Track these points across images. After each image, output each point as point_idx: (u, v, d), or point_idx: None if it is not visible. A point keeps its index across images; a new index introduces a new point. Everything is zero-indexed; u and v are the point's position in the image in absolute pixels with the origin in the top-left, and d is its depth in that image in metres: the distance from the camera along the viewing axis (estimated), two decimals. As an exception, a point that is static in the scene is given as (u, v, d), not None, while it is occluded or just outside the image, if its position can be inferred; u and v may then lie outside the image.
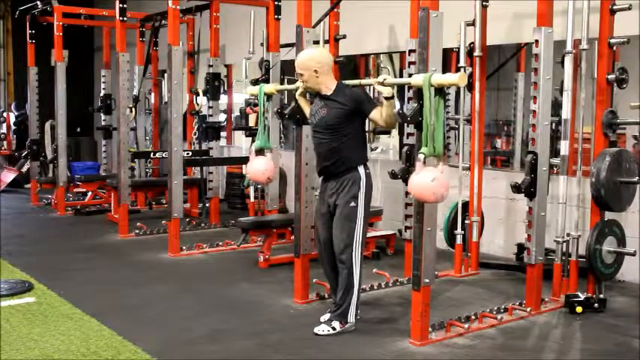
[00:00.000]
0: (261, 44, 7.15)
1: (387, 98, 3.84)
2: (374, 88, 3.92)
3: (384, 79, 3.80)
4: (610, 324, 4.29)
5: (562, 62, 4.55)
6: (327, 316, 4.11)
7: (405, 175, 4.52)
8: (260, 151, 4.53)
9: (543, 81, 4.27)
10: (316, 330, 3.99)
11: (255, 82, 6.57)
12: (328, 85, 4.06)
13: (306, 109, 4.32)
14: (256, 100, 4.72)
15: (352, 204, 3.99)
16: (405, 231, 4.95)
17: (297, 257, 4.60)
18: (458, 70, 5.51)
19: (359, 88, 4.11)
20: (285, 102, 7.47)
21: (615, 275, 4.69)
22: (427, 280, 3.77)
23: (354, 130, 4.04)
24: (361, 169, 4.05)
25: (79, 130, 12.25)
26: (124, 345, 3.78)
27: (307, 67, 4.06)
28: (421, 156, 3.50)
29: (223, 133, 8.74)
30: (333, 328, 3.98)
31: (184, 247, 6.23)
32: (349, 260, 3.99)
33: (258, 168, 4.51)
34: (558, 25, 4.46)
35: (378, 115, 3.94)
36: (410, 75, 4.63)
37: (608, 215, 4.55)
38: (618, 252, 4.52)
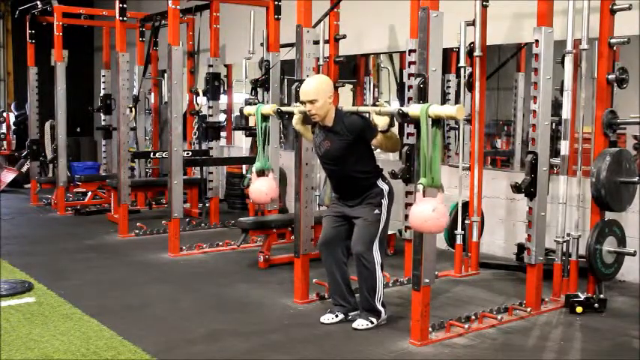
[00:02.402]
0: (261, 44, 7.15)
1: (382, 131, 3.85)
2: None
3: (380, 110, 3.79)
4: (610, 324, 4.28)
5: (562, 62, 4.55)
6: (336, 317, 4.15)
7: (405, 175, 4.53)
8: (261, 172, 4.51)
9: (543, 81, 4.27)
10: (355, 325, 4.05)
11: (255, 83, 6.60)
12: (331, 114, 4.05)
13: (308, 135, 4.30)
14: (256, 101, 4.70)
15: (376, 211, 4.04)
16: (405, 231, 4.95)
17: (297, 257, 4.60)
18: (458, 69, 5.52)
19: (358, 117, 4.07)
20: (286, 102, 7.49)
21: (615, 275, 4.69)
22: (427, 280, 3.77)
23: (362, 152, 4.06)
24: (380, 183, 4.09)
25: (79, 130, 12.25)
26: (124, 345, 3.78)
27: (323, 92, 4.00)
28: (420, 187, 3.50)
29: (223, 133, 8.74)
30: (371, 322, 4.06)
31: (184, 247, 6.23)
32: (372, 262, 4.01)
33: (260, 189, 4.51)
34: (558, 25, 4.47)
35: (379, 142, 3.96)
36: (410, 75, 4.68)
37: (608, 215, 4.56)
38: (618, 252, 4.53)
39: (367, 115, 4.01)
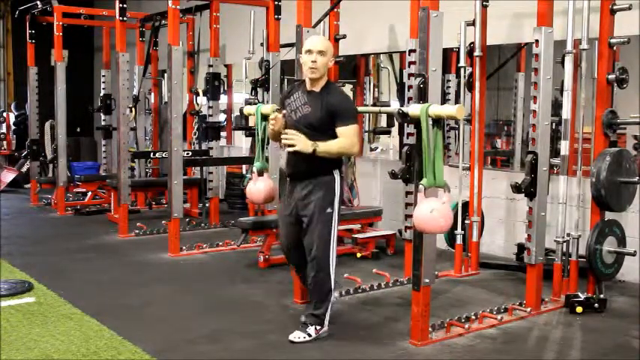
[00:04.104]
0: (261, 44, 7.15)
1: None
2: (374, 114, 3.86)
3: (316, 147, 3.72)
4: (610, 324, 4.29)
5: (562, 62, 4.55)
6: (302, 319, 3.97)
7: (405, 175, 4.54)
8: (261, 172, 4.48)
9: (543, 81, 4.27)
10: (291, 337, 3.87)
11: (255, 83, 6.60)
12: (323, 80, 3.87)
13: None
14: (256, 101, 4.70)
15: (329, 210, 3.85)
16: (405, 231, 4.94)
17: (297, 257, 4.59)
18: (458, 69, 5.52)
19: (348, 99, 3.96)
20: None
21: (615, 275, 4.69)
22: (427, 280, 3.77)
23: (335, 132, 3.80)
24: (336, 174, 3.90)
25: (79, 130, 12.26)
26: (124, 345, 3.78)
27: (330, 50, 3.85)
28: (421, 187, 3.48)
29: (223, 133, 8.74)
30: (309, 335, 3.88)
31: (184, 247, 6.23)
32: (327, 267, 3.89)
33: (259, 189, 4.44)
34: (558, 25, 4.47)
35: (342, 134, 3.76)
36: (410, 75, 4.68)
37: (608, 215, 4.55)
38: (618, 252, 4.53)
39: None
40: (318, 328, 3.91)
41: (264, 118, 4.49)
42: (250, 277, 5.42)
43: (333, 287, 3.95)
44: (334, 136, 3.79)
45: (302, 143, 3.72)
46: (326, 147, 3.75)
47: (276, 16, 6.36)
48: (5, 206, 8.94)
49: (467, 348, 3.81)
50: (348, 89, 8.13)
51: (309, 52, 3.80)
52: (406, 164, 4.51)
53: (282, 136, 3.70)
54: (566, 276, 4.66)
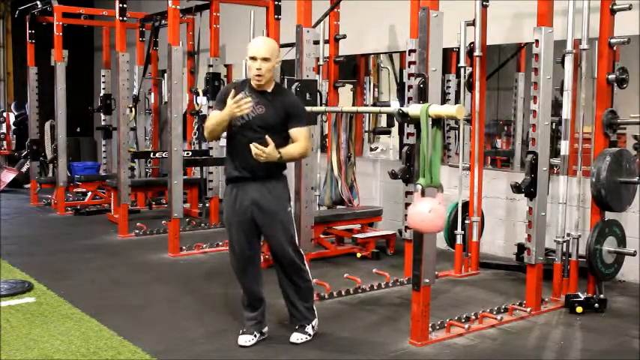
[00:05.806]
0: (261, 44, 7.14)
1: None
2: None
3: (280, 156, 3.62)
4: (610, 324, 4.29)
5: (562, 62, 4.55)
6: (255, 337, 3.88)
7: (405, 175, 4.54)
8: None
9: (543, 81, 4.27)
10: (292, 339, 3.86)
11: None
12: (271, 82, 3.77)
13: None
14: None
15: (289, 209, 3.82)
16: (405, 231, 4.95)
17: (297, 257, 4.59)
18: (458, 69, 5.52)
19: (301, 100, 3.91)
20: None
21: (615, 275, 4.69)
22: (427, 280, 3.77)
23: (287, 135, 3.73)
24: (285, 173, 3.87)
25: (79, 130, 12.26)
26: (124, 345, 3.78)
27: (275, 53, 3.72)
28: (419, 187, 3.48)
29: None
30: (309, 335, 3.88)
31: (184, 247, 6.23)
32: (303, 263, 3.89)
33: None
34: (558, 25, 4.47)
35: (298, 136, 3.69)
36: (410, 75, 4.68)
37: (608, 215, 4.55)
38: (618, 252, 4.52)
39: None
40: (313, 323, 3.93)
41: None
42: (250, 277, 5.41)
43: (311, 277, 3.95)
44: (285, 137, 3.71)
45: (271, 154, 3.58)
46: (289, 154, 3.69)
47: (276, 16, 6.35)
48: (5, 206, 8.94)
49: (467, 348, 3.81)
50: (348, 89, 8.13)
51: (253, 59, 3.64)
52: (406, 164, 4.51)
53: (254, 151, 3.56)
54: (566, 276, 4.66)
